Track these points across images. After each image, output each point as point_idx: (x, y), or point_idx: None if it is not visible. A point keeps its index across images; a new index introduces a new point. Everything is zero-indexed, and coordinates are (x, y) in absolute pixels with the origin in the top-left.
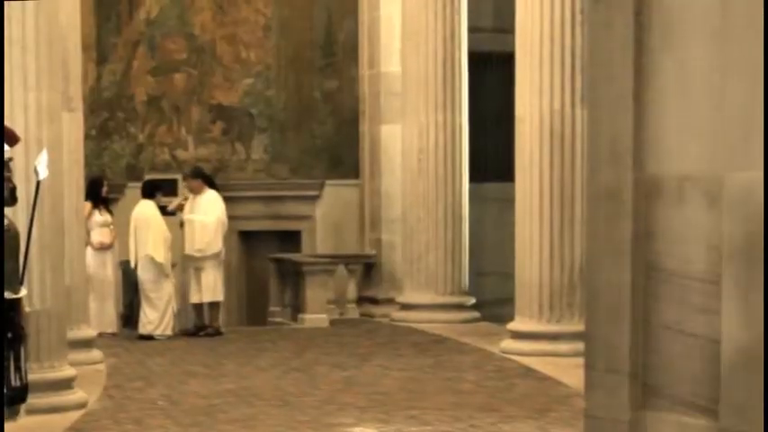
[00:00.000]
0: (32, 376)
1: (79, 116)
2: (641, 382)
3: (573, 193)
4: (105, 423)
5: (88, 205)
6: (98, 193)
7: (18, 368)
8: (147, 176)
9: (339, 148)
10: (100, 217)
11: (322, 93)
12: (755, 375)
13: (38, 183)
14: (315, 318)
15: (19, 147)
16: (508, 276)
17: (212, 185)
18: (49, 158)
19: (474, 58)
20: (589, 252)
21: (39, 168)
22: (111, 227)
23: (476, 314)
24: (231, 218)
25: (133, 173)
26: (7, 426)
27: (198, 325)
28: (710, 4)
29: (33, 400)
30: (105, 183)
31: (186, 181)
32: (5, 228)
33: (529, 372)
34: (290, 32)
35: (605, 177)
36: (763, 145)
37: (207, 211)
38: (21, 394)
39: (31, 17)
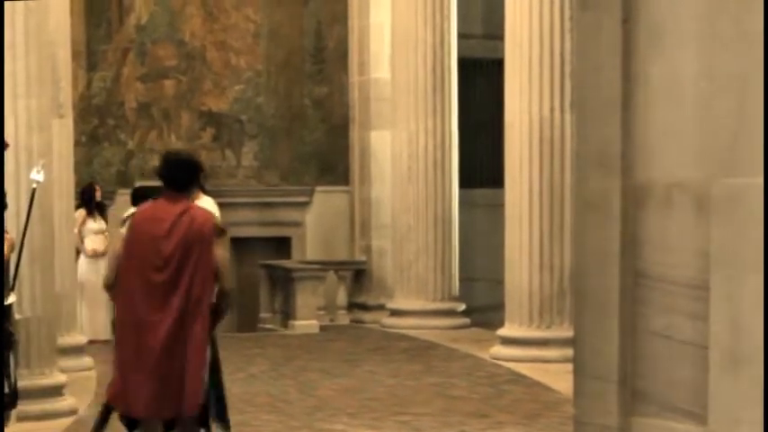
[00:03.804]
0: (23, 383)
1: (69, 123)
2: (630, 389)
3: (562, 198)
4: None
5: (82, 213)
6: (92, 200)
7: (7, 375)
8: (138, 183)
9: (329, 155)
10: (94, 224)
11: (312, 99)
12: (743, 381)
13: (33, 190)
14: (305, 324)
15: (9, 153)
16: (498, 282)
17: (204, 191)
18: (44, 165)
19: (463, 64)
20: (577, 258)
21: (37, 176)
22: (106, 234)
23: (466, 320)
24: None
25: (123, 180)
26: None
27: None
28: (698, 11)
29: (24, 406)
30: (98, 188)
31: None
32: None
33: (519, 378)
34: (280, 39)
35: (593, 183)
36: (752, 151)
37: None
38: (11, 401)
39: (20, 23)
